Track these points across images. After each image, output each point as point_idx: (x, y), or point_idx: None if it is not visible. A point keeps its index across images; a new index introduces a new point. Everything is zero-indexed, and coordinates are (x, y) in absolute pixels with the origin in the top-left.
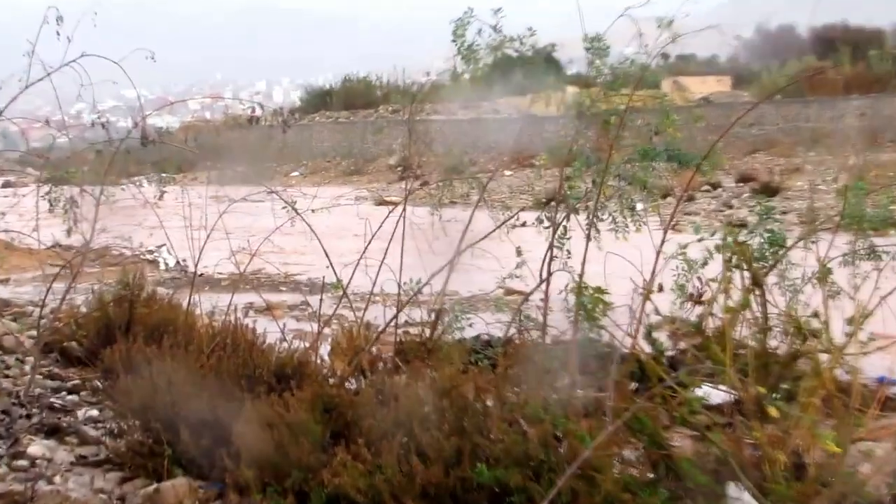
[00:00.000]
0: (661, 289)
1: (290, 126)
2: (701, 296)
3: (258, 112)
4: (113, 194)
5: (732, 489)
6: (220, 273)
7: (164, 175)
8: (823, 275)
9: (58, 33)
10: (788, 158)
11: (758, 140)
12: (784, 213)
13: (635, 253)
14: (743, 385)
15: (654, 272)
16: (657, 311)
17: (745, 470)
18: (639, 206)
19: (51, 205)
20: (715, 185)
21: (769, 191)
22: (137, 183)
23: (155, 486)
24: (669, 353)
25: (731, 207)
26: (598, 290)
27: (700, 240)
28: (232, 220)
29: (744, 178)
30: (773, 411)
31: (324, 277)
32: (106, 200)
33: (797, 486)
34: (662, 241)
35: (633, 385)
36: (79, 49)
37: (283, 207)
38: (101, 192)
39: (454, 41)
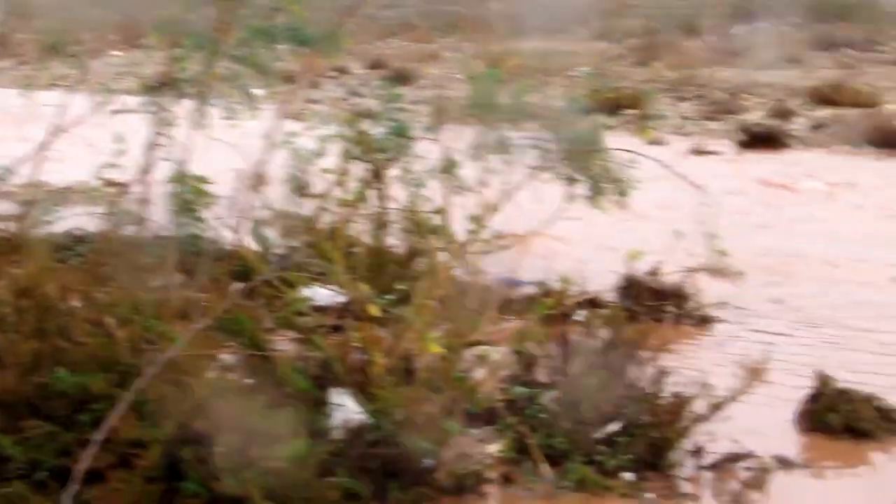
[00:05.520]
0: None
1: None
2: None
3: None
4: None
5: (335, 395)
6: None
7: None
8: (447, 168)
9: None
10: (425, 44)
11: (393, 24)
12: (415, 102)
13: (253, 144)
14: (353, 285)
15: (261, 162)
16: (270, 206)
17: (350, 374)
18: (259, 93)
19: None
20: (342, 71)
21: (401, 79)
22: None
23: None
24: (280, 252)
25: (358, 96)
26: (199, 178)
27: (312, 129)
28: None
29: (374, 65)
30: (374, 310)
31: None
32: None
33: (404, 390)
34: (273, 129)
35: (241, 286)
36: None
37: None
38: None
39: None
